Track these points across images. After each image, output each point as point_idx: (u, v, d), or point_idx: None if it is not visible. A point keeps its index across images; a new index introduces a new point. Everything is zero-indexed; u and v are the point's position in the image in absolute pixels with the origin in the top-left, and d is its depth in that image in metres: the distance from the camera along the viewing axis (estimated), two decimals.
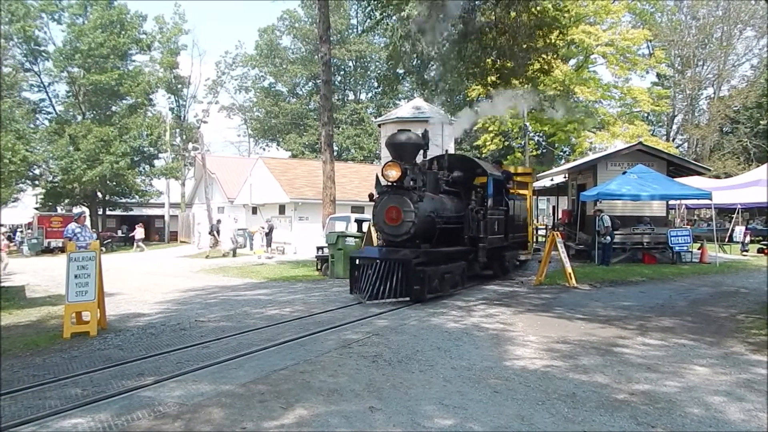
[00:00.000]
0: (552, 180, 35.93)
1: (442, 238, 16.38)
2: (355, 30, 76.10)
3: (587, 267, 22.72)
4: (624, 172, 25.58)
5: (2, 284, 19.19)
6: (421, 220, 15.16)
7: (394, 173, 15.26)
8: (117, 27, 51.59)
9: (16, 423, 6.10)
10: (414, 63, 24.46)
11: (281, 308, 14.25)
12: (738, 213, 37.80)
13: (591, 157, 35.38)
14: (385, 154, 22.89)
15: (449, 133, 33.79)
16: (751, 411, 6.74)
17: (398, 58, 24.88)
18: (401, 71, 28.46)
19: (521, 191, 24.39)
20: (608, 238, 23.86)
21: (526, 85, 27.40)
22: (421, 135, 16.60)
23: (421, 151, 16.66)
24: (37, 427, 6.00)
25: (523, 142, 51.82)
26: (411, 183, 15.49)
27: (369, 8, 25.63)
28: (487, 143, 52.28)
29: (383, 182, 15.74)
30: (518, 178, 24.38)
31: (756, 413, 6.68)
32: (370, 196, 16.27)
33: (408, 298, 14.50)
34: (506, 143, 56.75)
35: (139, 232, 45.78)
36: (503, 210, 19.64)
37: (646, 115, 59.68)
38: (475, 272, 18.54)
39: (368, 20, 25.11)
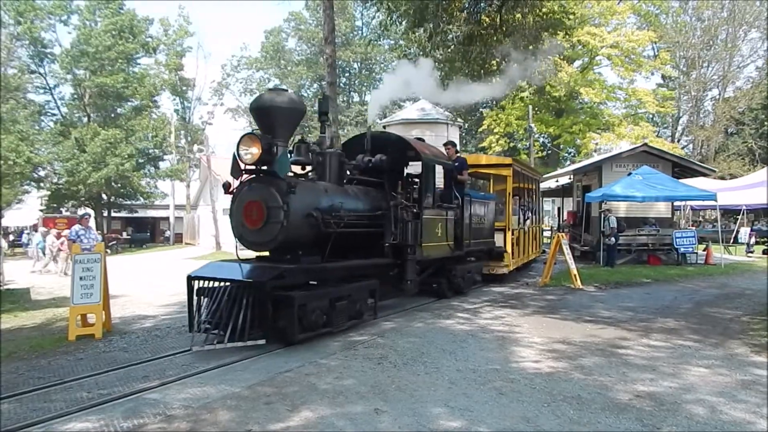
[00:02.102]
0: (557, 181, 35.91)
1: (345, 246, 11.96)
2: (360, 32, 76.19)
3: (592, 268, 22.72)
4: (629, 174, 25.54)
5: (5, 287, 19.26)
6: (295, 222, 10.37)
7: (251, 152, 10.26)
8: (126, 32, 51.78)
9: (21, 426, 6.11)
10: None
11: None
12: (743, 214, 37.79)
13: (596, 158, 35.37)
14: None
15: (455, 134, 33.77)
16: (757, 412, 6.74)
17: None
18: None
19: (499, 187, 20.91)
20: (613, 239, 23.84)
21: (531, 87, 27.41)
22: (323, 99, 13.09)
23: (329, 135, 13.61)
24: (42, 429, 6.02)
25: (528, 144, 51.79)
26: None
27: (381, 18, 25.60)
28: (493, 145, 52.19)
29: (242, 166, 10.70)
30: (490, 170, 21.02)
31: (762, 414, 6.68)
32: (226, 185, 10.87)
33: (263, 341, 9.54)
34: (512, 144, 56.71)
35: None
36: (453, 208, 15.19)
37: (651, 116, 59.59)
38: (406, 293, 13.77)
39: (380, 27, 24.96)
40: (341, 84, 73.87)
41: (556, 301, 15.29)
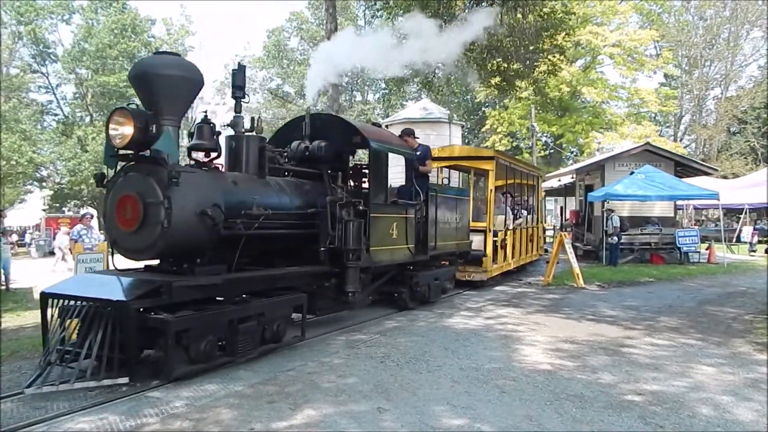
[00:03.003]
0: (560, 180, 35.91)
1: (272, 252, 10.54)
2: (362, 31, 76.14)
3: (595, 267, 22.69)
4: (631, 173, 25.54)
5: (9, 286, 19.28)
6: (183, 222, 8.05)
7: (122, 132, 8.02)
8: (129, 31, 51.87)
9: (24, 425, 6.11)
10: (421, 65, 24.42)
11: None
12: (746, 213, 37.78)
13: (599, 157, 35.38)
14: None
15: (458, 133, 33.75)
16: (760, 411, 6.73)
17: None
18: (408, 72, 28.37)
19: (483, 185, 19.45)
20: (615, 238, 23.82)
21: (532, 86, 27.34)
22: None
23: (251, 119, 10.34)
24: (45, 428, 6.01)
25: (531, 143, 51.79)
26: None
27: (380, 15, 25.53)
28: (496, 144, 52.19)
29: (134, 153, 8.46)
30: (468, 164, 18.81)
31: (765, 413, 6.68)
32: (98, 177, 8.67)
33: (126, 379, 7.35)
34: (515, 144, 56.71)
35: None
36: (413, 206, 12.97)
37: (653, 115, 59.59)
38: (352, 307, 11.72)
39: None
40: (343, 83, 73.84)
41: (559, 300, 15.28)
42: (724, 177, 47.45)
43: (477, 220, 17.82)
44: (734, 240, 35.74)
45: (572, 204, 36.32)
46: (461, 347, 9.69)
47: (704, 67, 62.96)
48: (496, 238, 17.66)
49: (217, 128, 9.53)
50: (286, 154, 11.27)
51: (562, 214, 39.03)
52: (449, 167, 19.22)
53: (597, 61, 52.89)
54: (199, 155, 9.57)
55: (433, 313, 13.13)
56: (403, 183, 13.56)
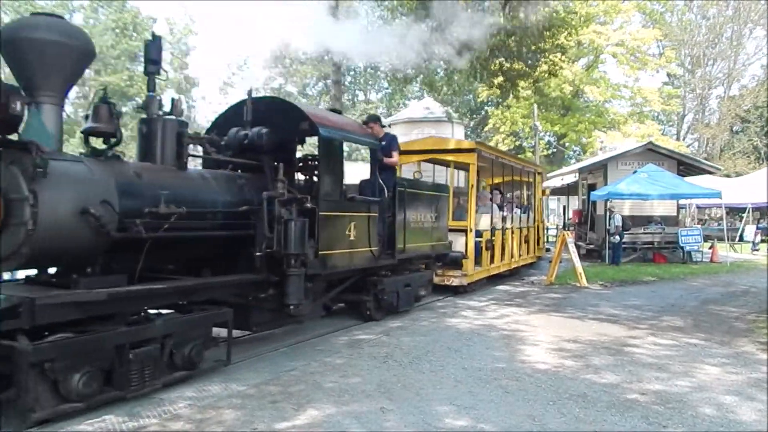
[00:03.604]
0: (562, 180, 35.87)
1: (197, 258, 8.90)
2: (365, 30, 76.00)
3: (597, 267, 22.67)
4: (634, 172, 25.52)
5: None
6: (56, 223, 6.53)
7: None
8: (130, 29, 51.91)
9: (25, 426, 6.10)
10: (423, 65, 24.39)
11: None
12: (748, 212, 37.76)
13: (601, 156, 35.34)
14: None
15: (460, 132, 33.76)
16: (763, 411, 6.73)
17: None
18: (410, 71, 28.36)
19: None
20: (618, 237, 23.80)
21: (533, 86, 27.34)
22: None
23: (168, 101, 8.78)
24: (48, 429, 6.00)
25: (533, 142, 51.78)
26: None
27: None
28: (499, 144, 52.13)
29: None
30: (447, 156, 17.29)
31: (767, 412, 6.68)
32: None
33: None
34: (518, 143, 56.67)
35: None
36: (377, 203, 11.33)
37: (656, 114, 59.57)
38: (300, 320, 10.27)
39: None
40: (346, 83, 73.85)
41: (562, 300, 15.27)
42: (727, 176, 47.40)
43: (461, 219, 16.40)
44: (737, 239, 35.71)
45: (575, 203, 36.28)
46: (464, 347, 9.69)
47: (707, 66, 62.96)
48: (480, 239, 16.42)
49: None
50: (223, 142, 9.64)
51: (564, 214, 38.95)
52: (427, 161, 18.11)
53: (600, 60, 52.84)
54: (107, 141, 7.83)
55: (434, 312, 13.11)
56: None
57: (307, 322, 10.71)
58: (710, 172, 32.06)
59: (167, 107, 8.53)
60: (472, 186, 16.45)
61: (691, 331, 11.26)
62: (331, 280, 10.73)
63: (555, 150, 58.56)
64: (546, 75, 25.22)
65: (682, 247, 25.15)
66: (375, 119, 12.86)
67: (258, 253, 8.70)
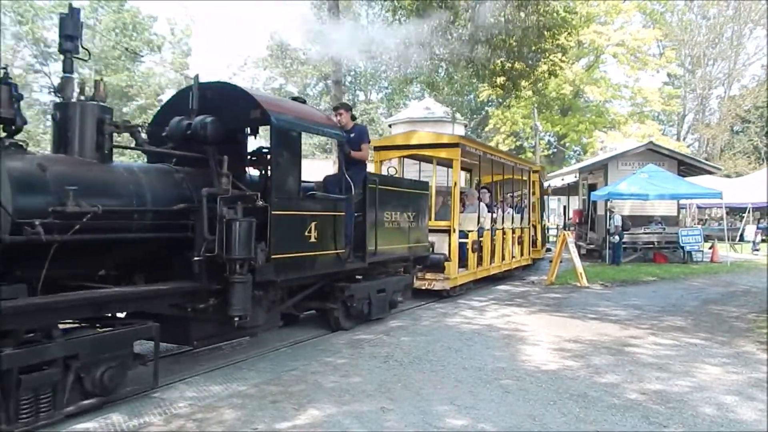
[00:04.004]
0: (563, 180, 35.90)
1: (126, 264, 8.11)
2: (365, 30, 76.10)
3: (598, 266, 22.69)
4: (635, 172, 25.56)
5: None
6: None
7: None
8: (129, 29, 51.97)
9: (25, 426, 6.09)
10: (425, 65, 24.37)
11: None
12: (749, 212, 37.78)
13: (602, 156, 35.39)
14: None
15: (461, 132, 33.76)
16: (764, 410, 6.73)
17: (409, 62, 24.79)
18: (411, 71, 28.34)
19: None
20: (617, 237, 23.81)
21: (534, 87, 27.34)
22: None
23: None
24: (47, 429, 6.01)
25: (534, 142, 51.81)
26: None
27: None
28: (500, 144, 52.17)
29: None
30: (426, 152, 16.15)
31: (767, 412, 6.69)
32: None
33: None
34: (518, 143, 56.71)
35: None
36: (343, 201, 10.12)
37: (656, 114, 59.60)
38: (247, 333, 9.18)
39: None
40: (347, 83, 73.90)
41: (562, 300, 15.27)
42: (727, 176, 47.47)
43: (444, 218, 15.56)
44: (737, 239, 35.72)
45: (575, 203, 36.31)
46: (465, 347, 9.69)
47: (707, 66, 62.97)
48: (465, 240, 15.55)
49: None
50: (164, 133, 8.63)
51: (565, 214, 38.97)
52: (408, 157, 16.80)
53: (600, 60, 52.87)
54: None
55: (435, 312, 13.09)
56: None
57: (259, 336, 9.57)
58: (710, 172, 32.10)
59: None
60: (455, 183, 15.33)
61: (692, 331, 11.27)
62: (290, 286, 9.58)
63: (555, 150, 58.62)
64: (546, 75, 25.23)
65: (682, 247, 25.16)
66: (346, 107, 11.68)
67: (196, 258, 7.61)
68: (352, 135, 11.05)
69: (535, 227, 23.08)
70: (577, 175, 32.44)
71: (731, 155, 59.07)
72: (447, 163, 16.80)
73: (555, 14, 21.62)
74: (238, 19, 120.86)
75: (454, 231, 14.90)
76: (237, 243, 7.59)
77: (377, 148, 16.08)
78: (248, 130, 9.61)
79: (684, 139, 64.10)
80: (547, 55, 23.28)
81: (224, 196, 7.84)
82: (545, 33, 21.41)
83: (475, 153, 16.67)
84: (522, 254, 20.67)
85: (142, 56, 54.68)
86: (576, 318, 12.57)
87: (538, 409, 6.64)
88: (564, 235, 19.62)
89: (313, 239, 9.31)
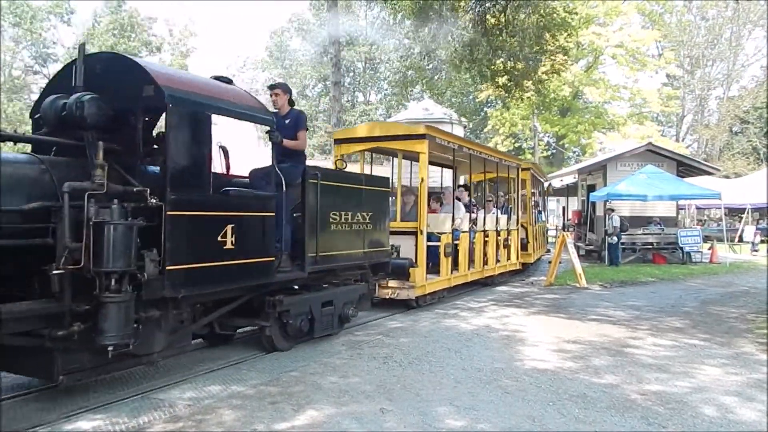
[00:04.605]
0: (562, 180, 35.93)
1: None
2: (364, 32, 76.17)
3: (597, 267, 22.71)
4: (634, 173, 25.60)
5: None
6: None
7: None
8: (128, 30, 52.02)
9: (26, 427, 6.09)
10: (427, 66, 24.43)
11: None
12: (748, 213, 37.83)
13: (601, 157, 35.43)
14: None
15: (460, 133, 33.71)
16: (764, 411, 6.73)
17: (414, 65, 24.83)
18: (412, 72, 28.37)
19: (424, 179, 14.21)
20: (615, 238, 23.82)
21: (536, 86, 27.34)
22: None
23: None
24: (47, 429, 6.01)
25: (533, 143, 51.82)
26: None
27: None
28: (498, 145, 52.19)
29: None
30: (392, 145, 14.61)
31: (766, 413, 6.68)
32: None
33: None
34: (517, 145, 56.73)
35: None
36: (271, 198, 8.46)
37: (655, 115, 59.63)
38: (131, 362, 7.25)
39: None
40: (346, 84, 73.92)
41: (561, 300, 15.27)
42: (726, 177, 47.51)
43: (409, 219, 14.21)
44: (736, 240, 35.78)
45: (574, 204, 36.35)
46: (464, 347, 9.69)
47: (706, 67, 63.01)
48: (437, 243, 14.07)
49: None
50: (37, 115, 7.52)
51: (564, 214, 39.01)
52: (371, 150, 15.50)
53: (599, 61, 52.90)
54: None
55: (434, 313, 13.07)
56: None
57: (159, 364, 7.82)
58: (709, 173, 32.14)
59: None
60: (422, 180, 13.52)
61: (691, 332, 11.27)
62: (203, 302, 7.94)
63: (555, 151, 58.65)
64: (549, 74, 25.21)
65: (681, 248, 25.21)
66: (284, 88, 10.19)
67: (55, 272, 6.04)
68: (287, 121, 9.76)
69: (526, 229, 21.87)
70: (576, 175, 32.49)
71: (730, 156, 59.10)
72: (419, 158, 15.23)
73: (555, 15, 21.64)
74: (238, 20, 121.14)
75: (422, 233, 13.29)
76: (109, 252, 6.18)
77: (338, 141, 14.67)
78: (146, 111, 7.75)
79: (683, 140, 64.12)
80: (549, 55, 23.29)
81: (94, 192, 6.32)
82: (546, 34, 21.42)
83: (448, 146, 14.95)
84: (509, 258, 19.25)
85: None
86: (575, 319, 12.56)
87: (537, 410, 6.64)
88: (563, 236, 19.61)
89: (229, 245, 7.57)
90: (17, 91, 48.29)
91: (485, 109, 61.07)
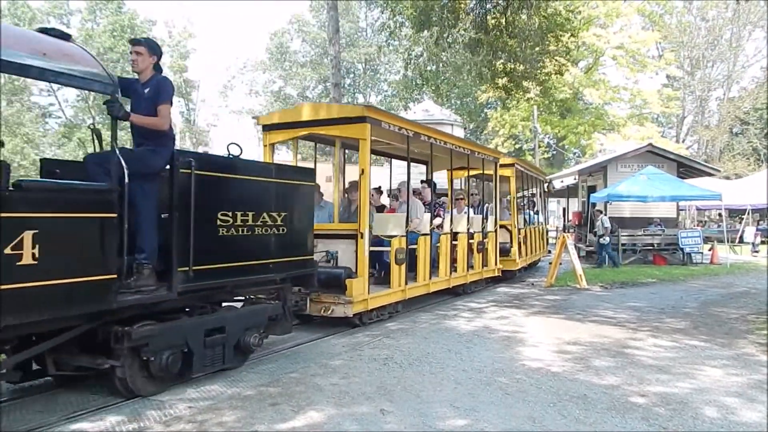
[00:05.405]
0: (562, 182, 35.96)
1: None
2: (364, 33, 76.18)
3: (597, 268, 22.71)
4: (634, 174, 25.63)
5: None
6: None
7: None
8: (127, 32, 52.09)
9: (25, 429, 6.09)
10: (428, 69, 24.42)
11: None
12: (748, 214, 37.85)
13: (601, 158, 35.46)
14: None
15: (460, 135, 33.74)
16: (764, 412, 6.72)
17: (417, 68, 24.82)
18: (414, 74, 28.34)
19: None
20: (607, 239, 23.82)
21: (539, 87, 27.33)
22: None
23: None
24: (47, 430, 6.00)
25: (533, 144, 51.81)
26: None
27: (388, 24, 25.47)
28: (499, 146, 52.19)
29: None
30: (332, 130, 12.04)
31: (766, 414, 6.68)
32: None
33: None
34: (518, 146, 56.75)
35: None
36: (108, 193, 6.24)
37: (656, 116, 59.66)
38: None
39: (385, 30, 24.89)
40: (346, 85, 73.95)
41: (562, 301, 15.26)
42: (727, 178, 47.54)
43: (349, 219, 12.64)
44: (737, 241, 35.78)
45: (575, 205, 36.37)
46: (464, 349, 9.68)
47: (706, 68, 63.08)
48: (387, 249, 12.34)
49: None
50: None
51: (564, 216, 39.03)
52: (304, 138, 13.09)
53: (599, 62, 52.91)
54: None
55: (433, 315, 13.03)
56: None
57: None
58: (710, 174, 32.17)
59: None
60: (363, 172, 11.36)
61: (692, 333, 11.25)
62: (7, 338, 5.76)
63: (555, 152, 58.67)
64: (551, 75, 25.21)
65: (682, 249, 25.22)
66: (150, 46, 7.68)
67: None
68: (146, 90, 7.38)
69: (510, 232, 19.59)
70: (577, 177, 32.50)
71: (730, 157, 59.15)
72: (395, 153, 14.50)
73: (557, 16, 21.65)
74: (238, 21, 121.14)
75: (362, 236, 11.13)
76: None
77: (267, 128, 12.33)
78: None
79: (683, 141, 64.17)
80: (551, 56, 23.29)
81: None
82: (548, 35, 21.42)
83: (400, 133, 12.61)
84: (485, 264, 17.07)
85: None
86: (575, 320, 12.55)
87: (537, 411, 6.63)
88: (563, 237, 19.59)
89: (28, 260, 5.44)
90: (17, 92, 48.32)
91: (486, 110, 61.09)
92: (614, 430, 6.14)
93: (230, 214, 7.79)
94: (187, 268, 7.06)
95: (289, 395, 7.07)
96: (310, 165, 11.84)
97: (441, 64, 21.76)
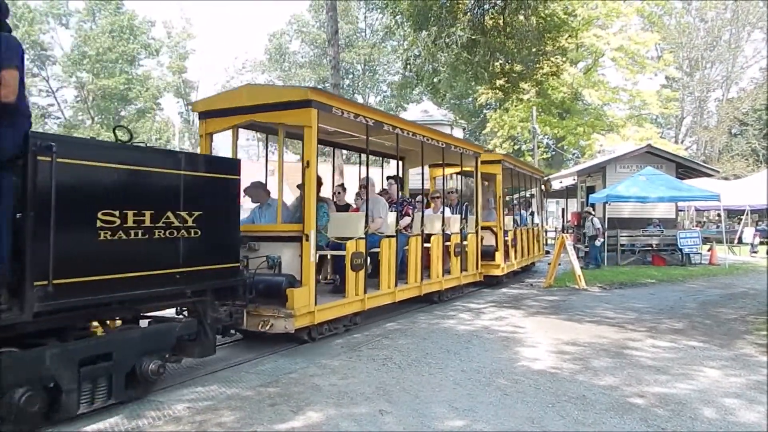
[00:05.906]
0: (561, 182, 35.96)
1: None
2: (363, 33, 76.23)
3: (596, 269, 22.71)
4: (633, 175, 25.65)
5: None
6: None
7: None
8: (126, 32, 52.08)
9: (27, 429, 6.08)
10: (426, 69, 24.40)
11: None
12: (747, 215, 37.87)
13: (600, 159, 35.46)
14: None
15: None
16: (763, 413, 6.72)
17: (415, 68, 24.81)
18: (411, 74, 28.35)
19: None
20: (601, 240, 23.82)
21: (536, 88, 27.35)
22: None
23: None
24: (47, 430, 5.99)
25: (532, 145, 51.79)
26: None
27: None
28: (497, 147, 52.15)
29: None
30: (273, 117, 10.11)
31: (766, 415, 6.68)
32: None
33: None
34: (516, 147, 56.73)
35: None
36: None
37: (654, 117, 59.68)
38: None
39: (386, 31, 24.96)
40: (345, 86, 73.98)
41: (561, 302, 15.26)
42: (726, 179, 47.56)
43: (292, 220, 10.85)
44: (736, 241, 35.80)
45: (574, 206, 36.37)
46: (463, 349, 9.67)
47: (705, 69, 63.13)
48: (342, 252, 10.78)
49: None
50: None
51: (563, 216, 39.04)
52: (244, 126, 11.19)
53: (598, 63, 52.90)
54: None
55: (432, 315, 13.01)
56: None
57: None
58: (709, 175, 32.19)
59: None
60: (309, 164, 9.86)
61: (691, 334, 11.25)
62: None
63: (554, 153, 58.67)
64: (548, 76, 25.23)
65: (680, 250, 25.21)
66: None
67: None
68: None
69: (495, 234, 17.73)
70: (576, 177, 32.48)
71: (729, 158, 59.19)
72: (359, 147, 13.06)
73: (555, 17, 21.65)
74: (237, 22, 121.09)
75: (307, 239, 9.54)
76: None
77: (202, 115, 10.71)
78: None
79: (682, 141, 64.22)
80: (548, 57, 23.30)
81: None
82: (545, 35, 21.44)
83: (357, 122, 11.19)
84: (464, 269, 15.66)
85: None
86: (574, 320, 12.54)
87: (536, 412, 6.63)
88: (562, 237, 19.59)
89: None
90: None
91: (484, 111, 61.07)
92: (613, 431, 6.14)
93: (116, 213, 6.27)
94: (46, 282, 5.53)
95: (288, 395, 7.06)
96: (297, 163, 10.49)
97: (438, 65, 21.72)
